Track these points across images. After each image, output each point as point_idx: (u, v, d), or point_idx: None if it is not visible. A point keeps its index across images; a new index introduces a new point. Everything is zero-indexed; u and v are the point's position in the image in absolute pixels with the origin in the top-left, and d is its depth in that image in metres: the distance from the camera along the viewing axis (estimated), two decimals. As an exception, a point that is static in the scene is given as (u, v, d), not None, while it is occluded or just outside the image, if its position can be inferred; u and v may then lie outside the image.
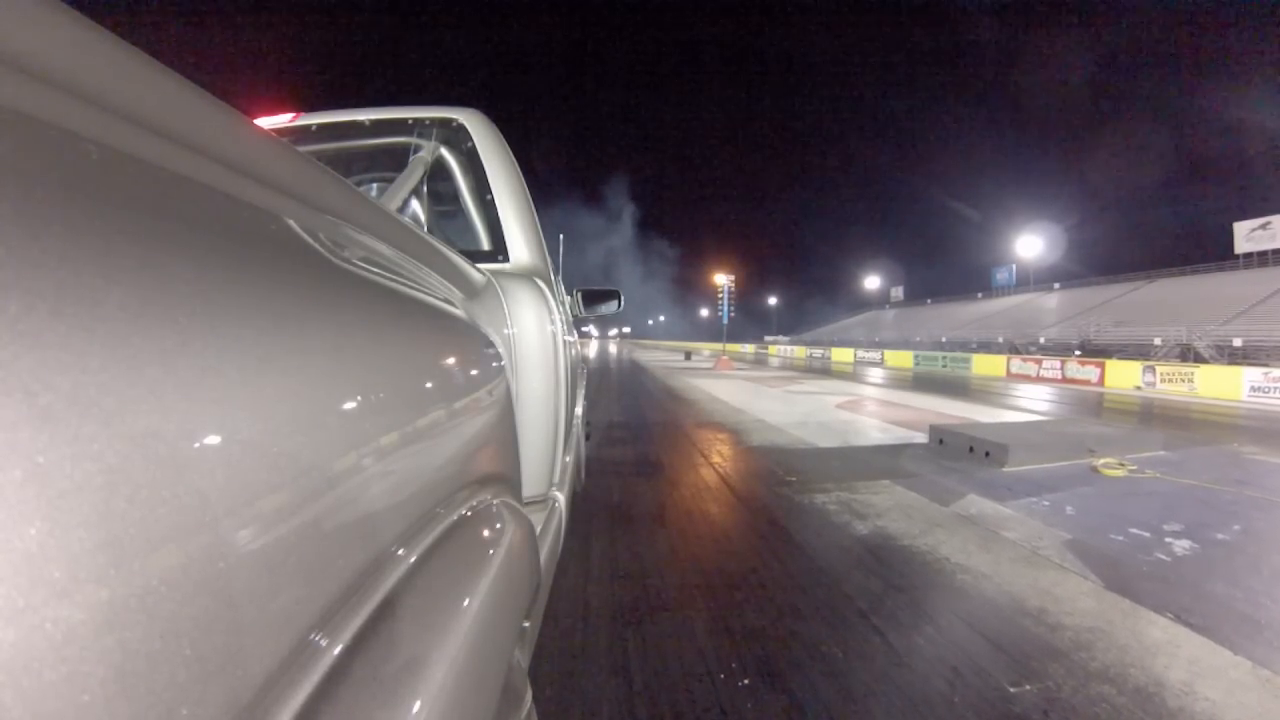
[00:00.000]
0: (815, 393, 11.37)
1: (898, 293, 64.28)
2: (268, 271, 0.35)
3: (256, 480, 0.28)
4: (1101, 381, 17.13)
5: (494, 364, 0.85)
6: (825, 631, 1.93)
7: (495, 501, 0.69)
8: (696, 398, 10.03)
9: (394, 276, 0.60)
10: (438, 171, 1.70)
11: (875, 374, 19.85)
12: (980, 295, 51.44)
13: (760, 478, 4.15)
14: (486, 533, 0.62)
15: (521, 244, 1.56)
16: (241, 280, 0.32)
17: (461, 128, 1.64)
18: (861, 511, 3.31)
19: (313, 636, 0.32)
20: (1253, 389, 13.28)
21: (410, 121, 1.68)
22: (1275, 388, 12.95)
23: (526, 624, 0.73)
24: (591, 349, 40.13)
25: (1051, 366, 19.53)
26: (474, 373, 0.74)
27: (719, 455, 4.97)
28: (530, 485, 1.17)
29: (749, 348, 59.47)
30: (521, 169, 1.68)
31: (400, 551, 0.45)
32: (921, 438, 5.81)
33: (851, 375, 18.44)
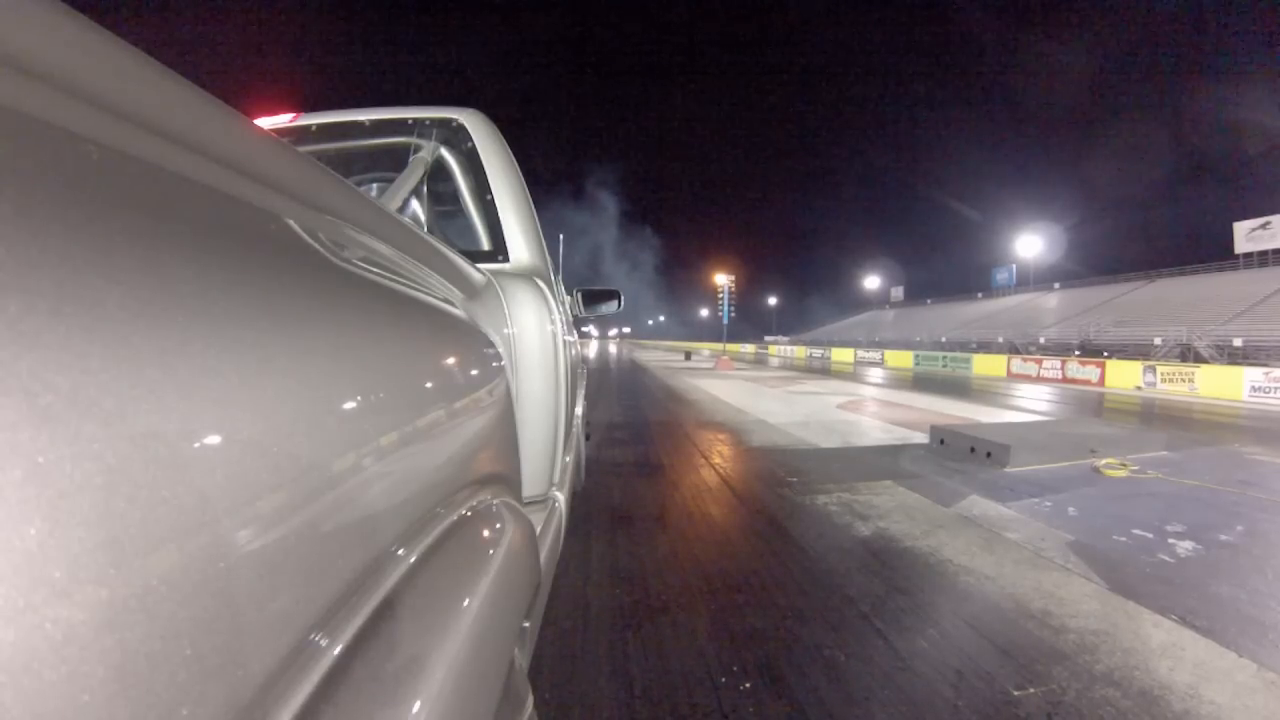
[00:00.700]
0: (816, 393, 11.36)
1: (898, 293, 64.29)
2: (268, 272, 0.35)
3: (256, 480, 0.28)
4: (1102, 381, 17.11)
5: (494, 364, 0.85)
6: (827, 634, 1.92)
7: (495, 501, 0.69)
8: (697, 398, 10.02)
9: (394, 277, 0.60)
10: (438, 171, 1.70)
11: (875, 374, 19.82)
12: (980, 295, 51.45)
13: (761, 478, 4.14)
14: (486, 533, 0.62)
15: (521, 244, 1.57)
16: (242, 280, 0.32)
17: (461, 128, 1.65)
18: (863, 513, 3.30)
19: (313, 636, 0.32)
20: (1254, 389, 13.26)
21: (410, 122, 1.68)
22: (1276, 388, 12.92)
23: (526, 624, 0.73)
24: (591, 349, 40.14)
25: (1052, 366, 19.50)
26: (474, 373, 0.74)
27: (720, 456, 4.97)
28: (530, 485, 1.17)
29: (749, 348, 59.43)
30: (521, 169, 1.68)
31: (400, 551, 0.45)
32: (922, 438, 5.80)
33: (852, 375, 18.41)
